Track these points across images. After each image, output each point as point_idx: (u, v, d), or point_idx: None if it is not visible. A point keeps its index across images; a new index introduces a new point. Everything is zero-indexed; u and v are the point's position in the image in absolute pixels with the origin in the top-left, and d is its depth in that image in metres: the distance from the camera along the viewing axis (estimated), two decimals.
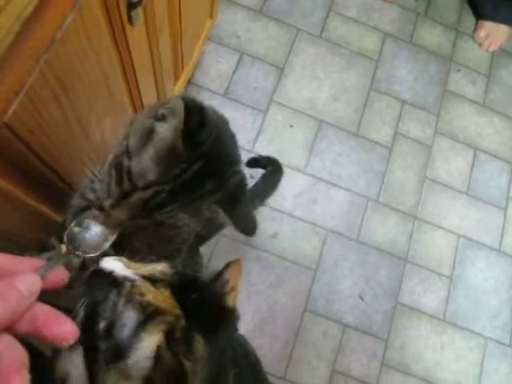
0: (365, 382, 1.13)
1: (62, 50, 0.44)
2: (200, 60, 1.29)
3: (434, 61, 1.45)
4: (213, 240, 0.96)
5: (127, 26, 0.58)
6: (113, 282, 0.34)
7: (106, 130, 0.65)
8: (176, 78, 1.00)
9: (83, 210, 0.52)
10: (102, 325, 0.32)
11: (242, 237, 1.17)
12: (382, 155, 1.33)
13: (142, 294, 0.33)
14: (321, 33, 1.42)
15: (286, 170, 1.27)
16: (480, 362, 1.20)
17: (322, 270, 1.18)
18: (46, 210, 0.57)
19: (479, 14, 1.50)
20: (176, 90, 1.03)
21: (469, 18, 1.52)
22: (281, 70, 1.36)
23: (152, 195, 0.37)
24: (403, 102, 1.39)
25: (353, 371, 1.13)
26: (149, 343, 0.31)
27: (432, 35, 1.48)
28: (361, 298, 1.17)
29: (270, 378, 0.73)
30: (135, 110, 0.77)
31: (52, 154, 0.51)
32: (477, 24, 1.50)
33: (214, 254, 1.14)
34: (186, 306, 0.35)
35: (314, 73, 1.38)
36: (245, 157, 1.04)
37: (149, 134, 0.38)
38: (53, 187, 0.57)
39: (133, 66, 0.66)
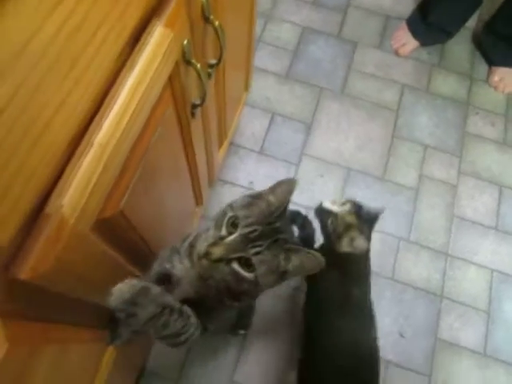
0: None
1: (152, 152, 0.60)
2: (237, 122, 1.46)
3: (451, 106, 1.57)
4: None
5: (191, 120, 0.74)
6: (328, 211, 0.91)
7: (176, 204, 0.80)
8: (220, 144, 1.17)
9: (157, 273, 0.67)
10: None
11: None
12: (408, 197, 1.43)
13: (343, 217, 0.90)
14: (342, 90, 1.57)
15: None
16: None
17: None
18: (135, 271, 0.72)
19: (491, 61, 1.61)
20: (220, 153, 1.19)
21: (481, 65, 1.64)
22: (309, 126, 1.51)
23: (250, 231, 0.53)
24: (426, 147, 1.50)
25: None
26: None
27: (447, 83, 1.61)
28: (401, 335, 1.23)
29: None
30: (192, 180, 0.92)
31: (142, 227, 0.66)
32: (489, 70, 1.61)
33: None
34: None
35: (339, 126, 1.52)
36: None
37: (253, 199, 0.58)
38: (142, 255, 0.71)
39: (192, 147, 0.82)
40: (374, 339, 0.94)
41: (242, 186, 1.42)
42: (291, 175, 1.44)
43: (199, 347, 1.20)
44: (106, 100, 0.47)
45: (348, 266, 0.94)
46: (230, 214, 0.55)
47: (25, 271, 0.40)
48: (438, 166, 1.48)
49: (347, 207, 0.94)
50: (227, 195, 1.39)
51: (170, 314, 0.54)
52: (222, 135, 1.14)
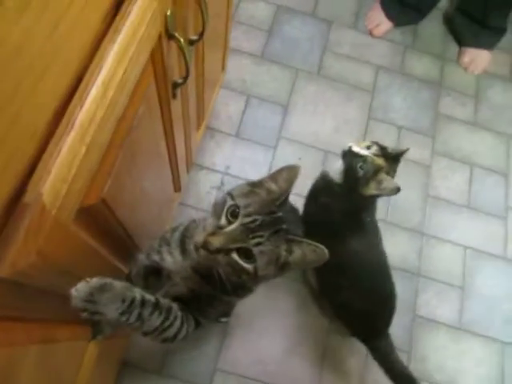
0: None
1: (135, 132, 0.55)
2: (213, 105, 1.41)
3: (425, 87, 1.58)
4: None
5: (171, 101, 0.69)
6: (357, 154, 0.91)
7: (155, 191, 0.75)
8: (198, 127, 1.12)
9: (146, 267, 0.63)
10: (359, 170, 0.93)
11: None
12: None
13: (372, 161, 0.90)
14: (318, 71, 1.55)
15: (297, 198, 1.38)
16: (500, 365, 1.27)
17: None
18: (119, 264, 0.67)
19: (461, 42, 1.63)
20: (198, 137, 1.15)
21: (453, 46, 1.66)
22: (285, 108, 1.48)
23: (251, 221, 0.51)
24: (400, 128, 1.51)
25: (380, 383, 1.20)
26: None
27: (420, 64, 1.62)
28: None
29: None
30: (171, 165, 0.88)
31: (124, 216, 0.61)
32: (460, 51, 1.64)
33: None
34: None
35: (316, 108, 1.50)
36: None
37: (253, 188, 0.55)
38: (123, 245, 0.67)
39: (172, 130, 0.77)
40: (383, 252, 1.06)
41: (219, 171, 1.38)
42: (269, 159, 1.42)
43: None
44: (88, 73, 0.42)
45: (360, 200, 0.98)
46: (230, 202, 0.52)
47: (4, 268, 0.36)
48: (412, 147, 1.48)
49: (374, 150, 0.94)
50: (204, 181, 1.35)
51: (141, 308, 0.51)
52: (200, 118, 1.09)
